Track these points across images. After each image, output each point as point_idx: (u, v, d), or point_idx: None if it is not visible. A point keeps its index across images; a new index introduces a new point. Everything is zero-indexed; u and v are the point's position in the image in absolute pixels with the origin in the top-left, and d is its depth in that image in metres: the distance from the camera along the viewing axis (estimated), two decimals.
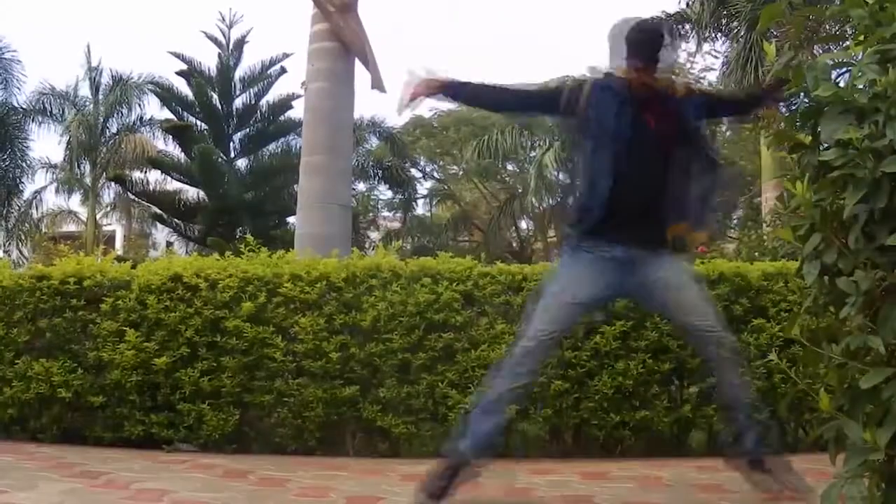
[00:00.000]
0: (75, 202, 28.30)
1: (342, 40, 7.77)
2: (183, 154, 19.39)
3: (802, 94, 2.04)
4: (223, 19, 19.74)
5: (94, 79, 24.27)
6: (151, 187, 20.41)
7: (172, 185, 20.62)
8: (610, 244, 3.37)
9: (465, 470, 3.23)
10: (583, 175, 3.51)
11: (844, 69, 2.02)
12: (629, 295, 4.09)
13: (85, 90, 24.48)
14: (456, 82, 3.66)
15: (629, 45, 3.40)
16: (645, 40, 3.40)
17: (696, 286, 3.55)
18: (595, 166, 3.39)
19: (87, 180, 25.31)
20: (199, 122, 19.49)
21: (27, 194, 24.87)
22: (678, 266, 3.48)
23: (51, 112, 23.63)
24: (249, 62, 25.04)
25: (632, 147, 3.34)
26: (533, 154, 22.40)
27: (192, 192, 19.67)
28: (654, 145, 3.39)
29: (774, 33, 12.41)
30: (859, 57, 1.96)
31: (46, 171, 26.24)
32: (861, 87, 1.90)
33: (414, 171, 26.93)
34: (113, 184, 23.81)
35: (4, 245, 23.30)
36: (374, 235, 26.23)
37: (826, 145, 1.96)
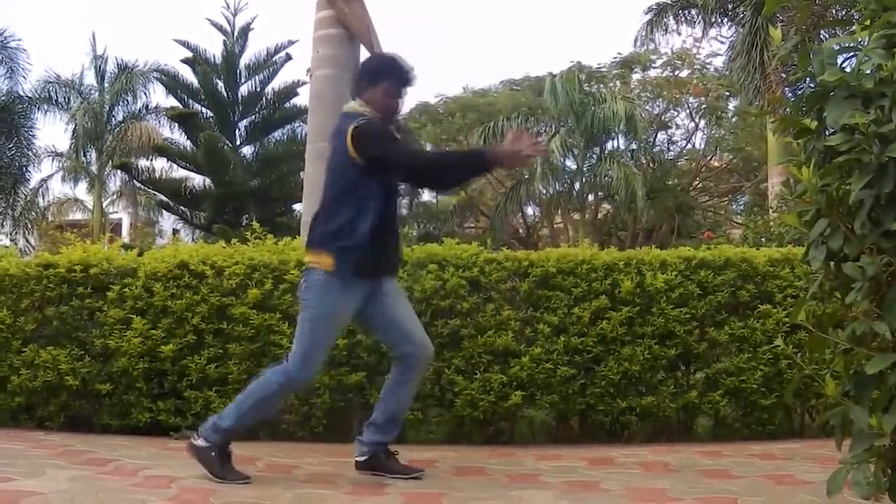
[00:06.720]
0: (81, 190, 28.44)
1: (347, 27, 7.73)
2: (188, 142, 19.43)
3: (808, 78, 2.03)
4: (228, 7, 19.71)
5: (100, 67, 24.30)
6: (157, 175, 20.40)
7: (178, 172, 20.67)
8: None
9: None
10: None
11: (850, 54, 2.01)
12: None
13: (90, 78, 24.53)
14: None
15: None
16: None
17: None
18: None
19: (93, 168, 25.35)
20: (204, 110, 19.50)
21: (33, 183, 24.99)
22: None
23: (56, 100, 23.64)
24: (255, 49, 24.88)
25: None
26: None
27: (197, 180, 19.70)
28: None
29: (780, 18, 12.35)
30: (865, 42, 1.95)
31: (52, 160, 26.41)
32: (867, 71, 1.89)
33: None
34: (119, 172, 23.84)
35: (11, 233, 23.33)
36: None
37: (832, 130, 1.96)
